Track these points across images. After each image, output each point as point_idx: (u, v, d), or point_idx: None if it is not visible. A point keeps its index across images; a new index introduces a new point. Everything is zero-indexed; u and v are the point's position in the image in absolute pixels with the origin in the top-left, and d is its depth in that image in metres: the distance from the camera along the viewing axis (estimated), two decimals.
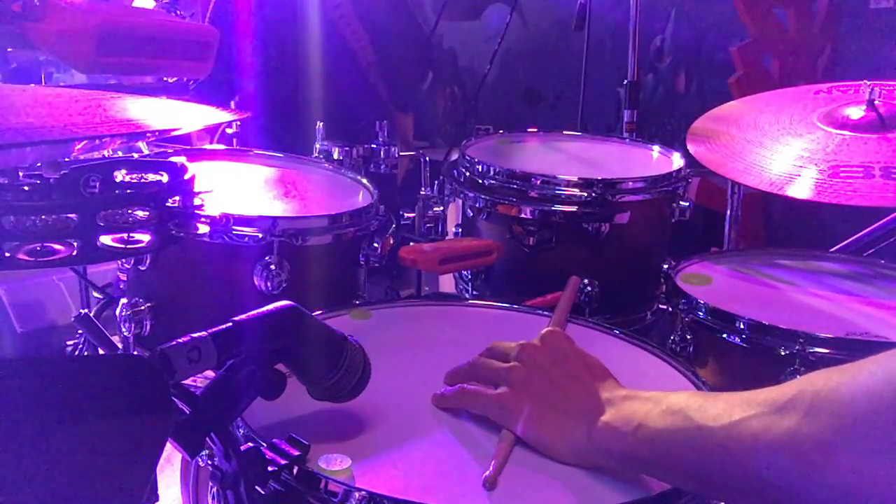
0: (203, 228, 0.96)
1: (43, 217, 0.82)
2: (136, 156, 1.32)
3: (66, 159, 0.83)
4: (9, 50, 2.09)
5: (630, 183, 1.51)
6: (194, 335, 0.76)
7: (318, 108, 2.64)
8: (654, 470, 0.79)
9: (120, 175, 0.91)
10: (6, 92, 0.99)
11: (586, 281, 1.48)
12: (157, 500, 0.77)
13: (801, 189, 1.33)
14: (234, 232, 1.24)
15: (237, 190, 1.49)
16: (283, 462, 0.77)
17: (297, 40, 2.73)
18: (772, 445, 0.67)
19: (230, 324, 0.79)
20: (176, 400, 0.72)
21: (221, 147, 1.83)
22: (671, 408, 0.77)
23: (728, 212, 1.85)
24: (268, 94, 2.70)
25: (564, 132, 1.97)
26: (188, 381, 0.76)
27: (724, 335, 1.22)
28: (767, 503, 0.69)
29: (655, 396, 0.80)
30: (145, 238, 0.87)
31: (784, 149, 1.43)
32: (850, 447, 0.62)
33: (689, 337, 1.27)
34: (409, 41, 3.05)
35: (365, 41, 2.84)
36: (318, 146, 1.67)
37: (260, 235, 1.25)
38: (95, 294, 1.69)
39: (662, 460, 0.76)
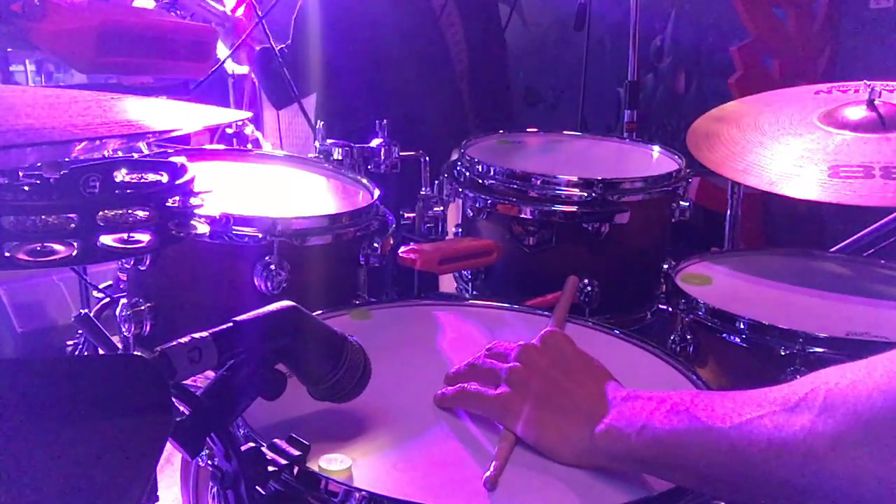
0: (203, 228, 0.96)
1: (43, 217, 0.81)
2: (136, 156, 1.32)
3: (66, 159, 0.82)
4: (9, 50, 2.09)
5: (630, 183, 1.51)
6: (195, 335, 0.76)
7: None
8: (658, 470, 0.79)
9: (120, 175, 0.91)
10: (6, 93, 0.99)
11: (586, 281, 1.48)
12: (157, 500, 0.78)
13: (801, 189, 1.33)
14: (234, 232, 1.24)
15: (237, 190, 1.49)
16: (283, 462, 0.77)
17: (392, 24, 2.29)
18: (785, 444, 0.66)
19: (231, 324, 0.79)
20: (176, 400, 0.72)
21: (221, 147, 1.82)
22: (676, 407, 0.76)
23: (728, 212, 1.85)
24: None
25: (564, 132, 1.97)
26: (188, 381, 0.76)
27: (724, 335, 1.22)
28: (779, 501, 0.69)
29: (658, 396, 0.80)
30: (145, 238, 0.86)
31: (784, 149, 1.43)
32: (867, 445, 0.61)
33: (689, 337, 1.27)
34: (499, 58, 2.57)
35: (462, 43, 2.38)
36: (317, 146, 1.67)
37: (260, 235, 1.25)
38: (95, 294, 1.69)
39: (668, 461, 0.76)
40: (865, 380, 0.63)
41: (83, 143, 0.79)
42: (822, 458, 0.64)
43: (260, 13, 2.29)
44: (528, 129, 1.94)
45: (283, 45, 2.33)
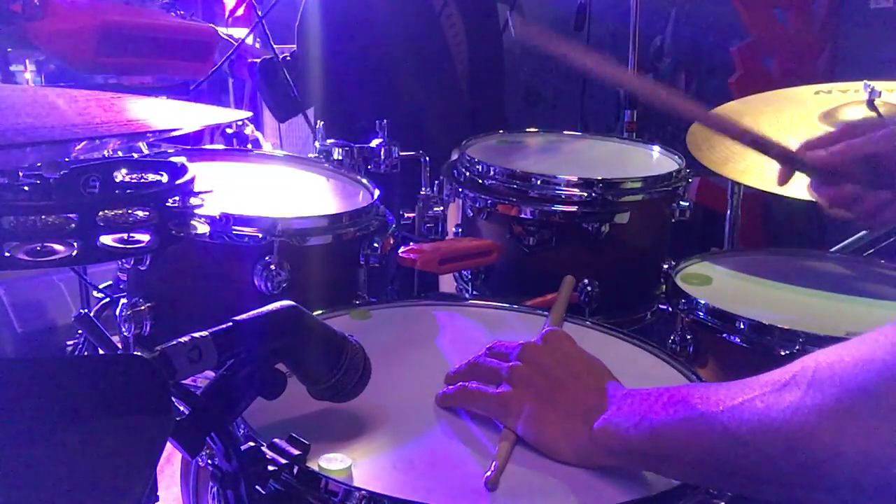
0: (203, 228, 0.96)
1: (43, 217, 0.81)
2: (136, 156, 1.32)
3: (66, 159, 0.82)
4: (9, 50, 2.09)
5: (630, 183, 1.51)
6: (195, 335, 0.76)
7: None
8: (658, 465, 0.79)
9: (120, 175, 0.91)
10: (6, 92, 0.99)
11: (586, 281, 1.48)
12: (157, 500, 0.77)
13: (801, 189, 1.33)
14: (234, 232, 1.24)
15: (237, 190, 1.49)
16: (283, 462, 0.77)
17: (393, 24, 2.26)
18: (775, 422, 0.66)
19: (230, 323, 0.79)
20: (176, 400, 0.72)
21: (221, 147, 1.82)
22: (672, 399, 0.76)
23: (728, 212, 1.85)
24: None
25: (564, 132, 1.97)
26: (188, 381, 0.76)
27: (724, 335, 1.22)
28: (774, 486, 0.69)
29: (656, 391, 0.80)
30: (145, 238, 0.86)
31: None
32: (855, 417, 0.61)
33: (689, 337, 1.27)
34: (496, 59, 2.56)
35: (463, 45, 2.39)
36: (317, 146, 1.67)
37: (260, 235, 1.25)
38: (95, 294, 1.69)
39: (666, 453, 0.76)
40: (853, 353, 0.64)
41: (83, 143, 0.79)
42: (809, 433, 0.64)
43: (260, 13, 2.29)
44: (527, 129, 1.94)
45: (287, 54, 2.33)
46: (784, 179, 1.27)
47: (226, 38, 2.40)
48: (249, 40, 2.46)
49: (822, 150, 1.20)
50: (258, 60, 2.39)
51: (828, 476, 0.63)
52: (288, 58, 2.31)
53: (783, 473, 0.66)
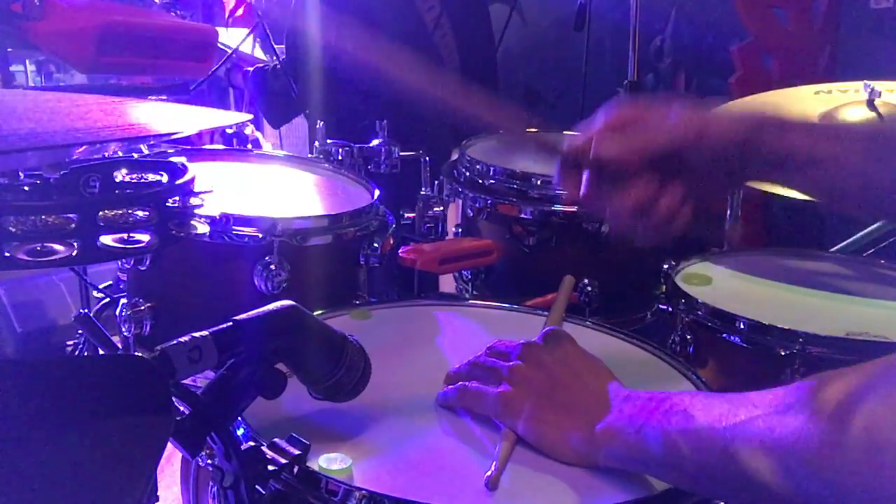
0: (203, 228, 0.96)
1: (43, 217, 0.82)
2: (136, 156, 1.32)
3: (67, 159, 0.83)
4: (9, 50, 2.09)
5: None
6: (195, 334, 0.76)
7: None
8: (656, 470, 0.79)
9: (120, 175, 0.91)
10: (8, 97, 0.99)
11: (586, 281, 1.48)
12: (157, 500, 0.77)
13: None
14: (234, 232, 1.24)
15: (237, 190, 1.49)
16: (283, 461, 0.77)
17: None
18: (777, 446, 0.66)
19: (231, 323, 0.79)
20: (176, 399, 0.72)
21: (221, 147, 1.82)
22: (674, 408, 0.76)
23: (728, 212, 1.84)
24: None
25: (564, 132, 1.96)
26: (188, 381, 0.76)
27: (724, 335, 1.22)
28: (772, 502, 0.69)
29: (658, 396, 0.80)
30: (145, 238, 0.87)
31: None
32: (855, 448, 0.61)
33: (689, 337, 1.27)
34: (489, 61, 2.63)
35: (453, 49, 2.43)
36: (317, 146, 1.67)
37: (260, 235, 1.25)
38: (95, 294, 1.69)
39: (665, 461, 0.76)
40: (860, 382, 0.63)
41: (83, 147, 0.79)
42: (811, 460, 0.63)
43: (260, 13, 2.29)
44: (527, 130, 1.94)
45: (277, 62, 2.35)
46: (579, 189, 0.99)
47: (222, 47, 2.41)
48: (248, 43, 2.47)
49: (613, 145, 0.98)
50: (251, 69, 2.41)
51: (827, 501, 0.63)
52: (278, 65, 2.33)
53: (782, 494, 0.66)
